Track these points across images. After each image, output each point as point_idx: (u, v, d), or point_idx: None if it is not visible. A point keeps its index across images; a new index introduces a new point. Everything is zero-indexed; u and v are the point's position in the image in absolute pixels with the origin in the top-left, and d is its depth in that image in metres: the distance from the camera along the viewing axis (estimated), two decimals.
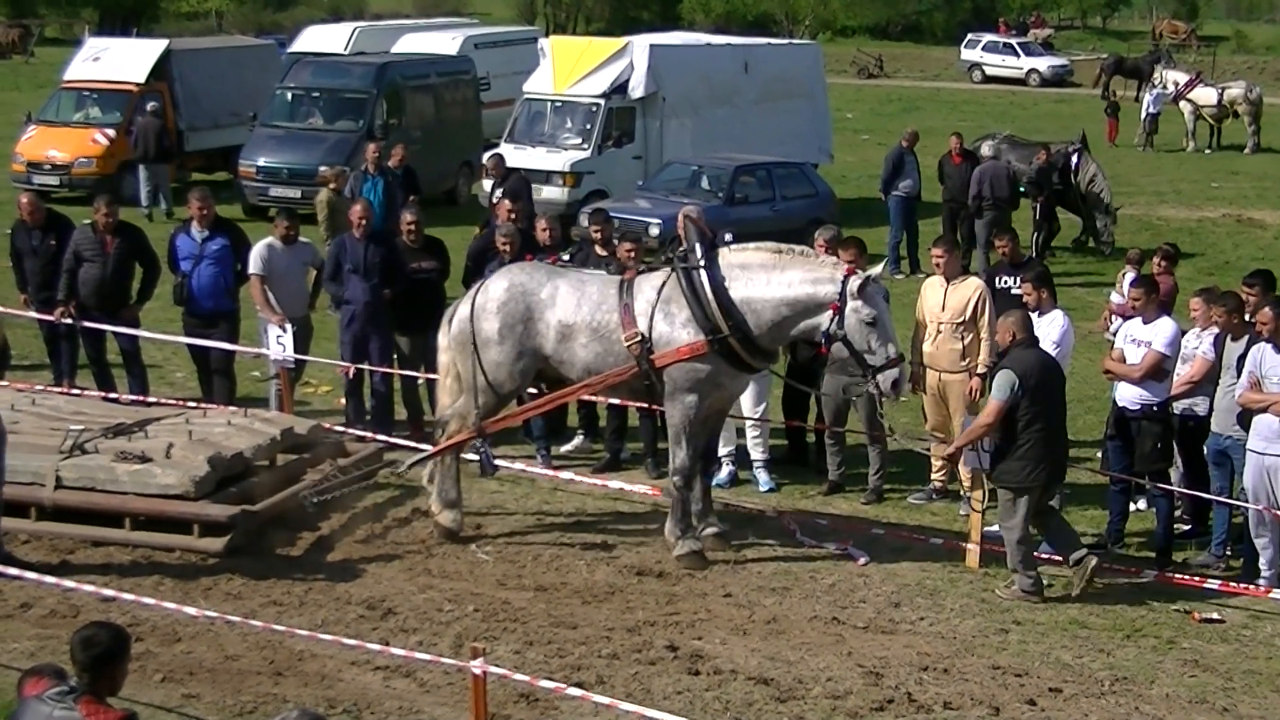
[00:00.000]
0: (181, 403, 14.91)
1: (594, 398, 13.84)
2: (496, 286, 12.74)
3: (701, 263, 12.22)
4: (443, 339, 13.10)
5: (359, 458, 13.96)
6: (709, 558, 12.49)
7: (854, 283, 11.90)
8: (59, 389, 15.43)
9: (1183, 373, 13.07)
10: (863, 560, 12.68)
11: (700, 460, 12.67)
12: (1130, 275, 16.49)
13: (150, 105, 29.98)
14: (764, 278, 12.14)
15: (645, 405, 13.57)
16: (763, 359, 12.56)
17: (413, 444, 14.16)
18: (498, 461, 13.41)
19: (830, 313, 11.96)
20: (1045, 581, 12.28)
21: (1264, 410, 11.98)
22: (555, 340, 12.51)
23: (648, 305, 12.31)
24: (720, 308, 12.06)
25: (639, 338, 12.24)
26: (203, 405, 14.59)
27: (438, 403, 13.51)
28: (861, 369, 12.19)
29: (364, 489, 13.63)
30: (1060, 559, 12.28)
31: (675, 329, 12.21)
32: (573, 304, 12.50)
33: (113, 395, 15.45)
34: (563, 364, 12.64)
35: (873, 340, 12.00)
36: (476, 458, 13.07)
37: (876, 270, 12.36)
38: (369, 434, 14.70)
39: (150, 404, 14.92)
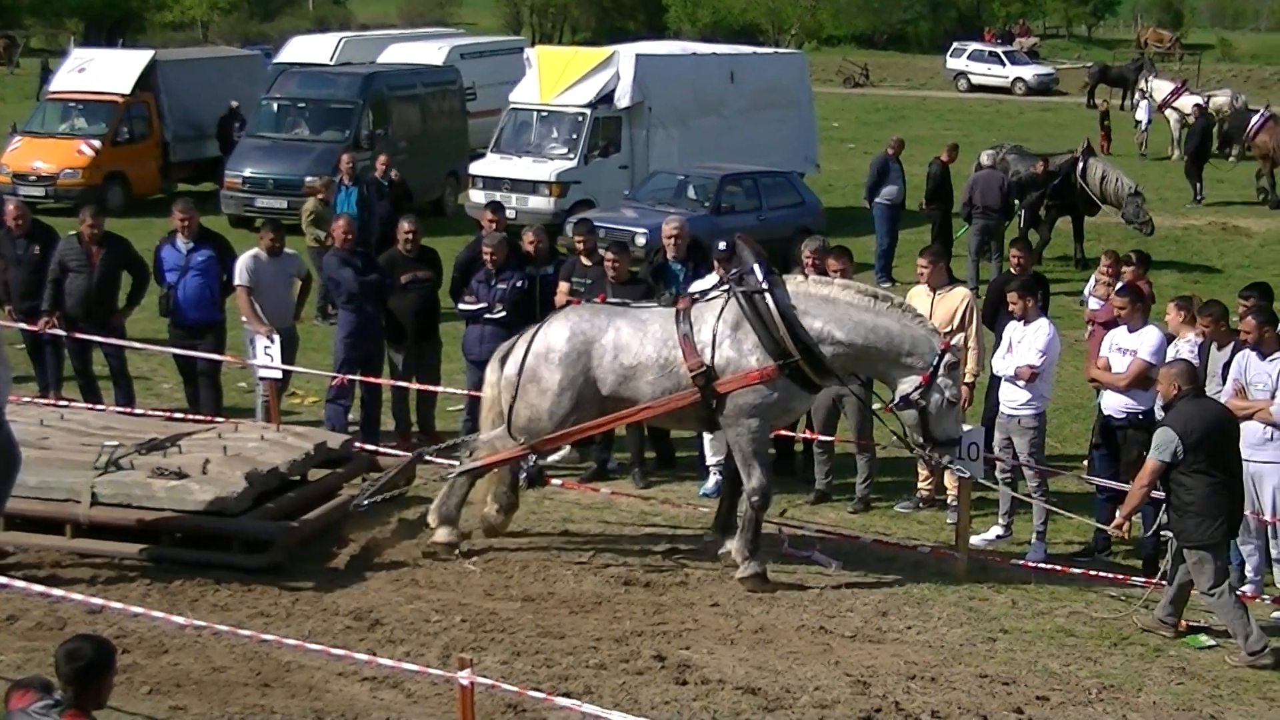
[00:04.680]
0: (184, 415, 14.89)
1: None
2: (558, 335, 12.47)
3: (764, 285, 12.08)
4: (491, 374, 12.88)
5: (396, 469, 13.81)
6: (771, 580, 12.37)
7: (949, 359, 11.91)
8: (45, 400, 15.42)
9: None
10: (833, 567, 12.68)
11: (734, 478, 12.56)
12: (1093, 281, 16.47)
13: None
14: (852, 319, 11.99)
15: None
16: (832, 379, 12.42)
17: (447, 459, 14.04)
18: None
19: (919, 381, 11.88)
20: (1031, 586, 12.31)
21: (1249, 418, 12.01)
22: (616, 382, 12.30)
23: (710, 334, 12.13)
24: (789, 331, 11.94)
25: (702, 368, 12.06)
26: (233, 420, 14.51)
27: (481, 427, 13.26)
28: (924, 438, 12.14)
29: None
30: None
31: (743, 355, 12.04)
32: (636, 344, 12.28)
33: (99, 407, 15.40)
34: (623, 401, 12.42)
35: (948, 420, 12.06)
36: (527, 466, 13.16)
37: (958, 342, 12.37)
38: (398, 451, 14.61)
39: (176, 418, 14.82)
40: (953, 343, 12.10)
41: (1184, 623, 11.78)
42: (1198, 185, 34.95)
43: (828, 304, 12.08)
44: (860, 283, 12.63)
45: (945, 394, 11.91)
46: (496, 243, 15.12)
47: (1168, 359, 13.01)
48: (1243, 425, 12.07)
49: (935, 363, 11.86)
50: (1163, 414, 11.90)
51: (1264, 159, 35.43)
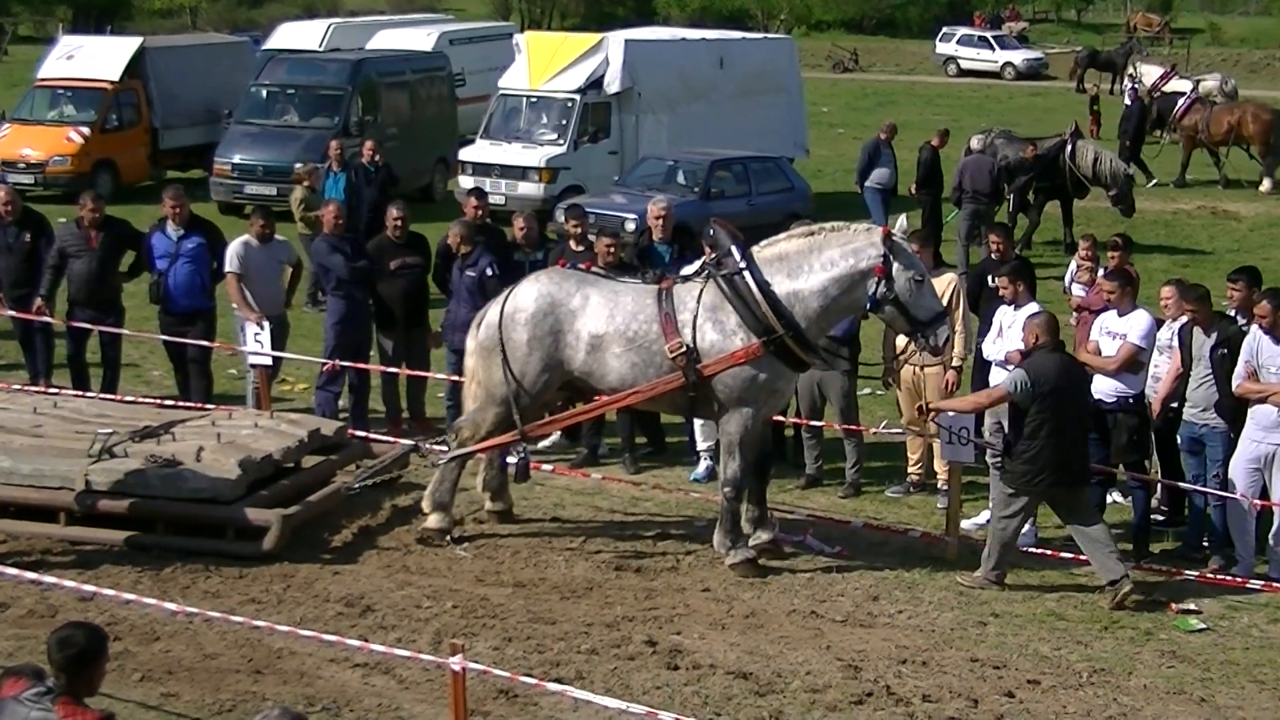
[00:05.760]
0: (176, 402, 14.86)
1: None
2: (525, 296, 12.47)
3: (742, 265, 12.05)
4: (470, 343, 12.91)
5: (390, 458, 13.84)
6: (761, 565, 12.34)
7: (893, 243, 11.90)
8: (35, 388, 15.39)
9: (1159, 363, 13.11)
10: (824, 550, 12.69)
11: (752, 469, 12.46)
12: (1074, 267, 16.52)
13: None
14: (806, 264, 12.02)
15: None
16: (814, 354, 12.35)
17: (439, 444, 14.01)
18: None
19: (876, 277, 11.86)
20: (1021, 570, 12.32)
21: (1262, 400, 12.03)
22: (585, 352, 12.25)
23: (691, 315, 12.09)
24: (771, 307, 11.92)
25: (684, 348, 12.06)
26: (226, 407, 14.48)
27: (464, 407, 13.32)
28: (911, 327, 12.11)
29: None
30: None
31: (726, 337, 12.00)
32: (604, 314, 12.24)
33: (89, 394, 15.38)
34: (592, 375, 12.35)
35: (923, 297, 12.02)
36: (515, 460, 13.01)
37: (902, 222, 12.39)
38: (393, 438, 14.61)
39: (169, 406, 14.79)
40: (893, 228, 12.14)
41: (1174, 607, 11.81)
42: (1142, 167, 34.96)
43: (783, 262, 12.10)
44: (807, 226, 12.63)
45: (908, 273, 11.90)
46: (459, 229, 15.10)
47: (1158, 342, 13.07)
48: (1255, 408, 12.15)
49: (883, 252, 11.86)
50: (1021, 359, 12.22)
51: (1188, 139, 35.39)
